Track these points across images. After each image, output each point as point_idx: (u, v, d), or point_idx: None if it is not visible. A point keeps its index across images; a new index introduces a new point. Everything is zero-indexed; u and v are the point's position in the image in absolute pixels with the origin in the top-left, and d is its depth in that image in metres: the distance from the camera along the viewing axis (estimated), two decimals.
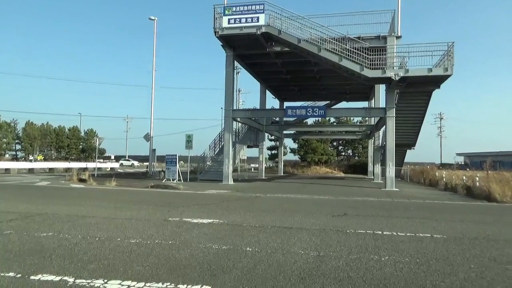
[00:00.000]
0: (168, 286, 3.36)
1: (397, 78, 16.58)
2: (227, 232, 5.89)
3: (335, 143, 49.68)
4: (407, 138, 23.90)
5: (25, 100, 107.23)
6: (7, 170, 28.23)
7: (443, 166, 41.62)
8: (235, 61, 22.05)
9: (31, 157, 50.94)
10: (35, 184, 17.29)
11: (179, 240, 5.24)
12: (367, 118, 33.63)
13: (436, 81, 17.53)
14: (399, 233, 6.04)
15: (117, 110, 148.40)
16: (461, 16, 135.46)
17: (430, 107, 20.55)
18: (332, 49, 17.36)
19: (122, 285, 3.37)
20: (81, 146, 62.06)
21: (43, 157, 52.06)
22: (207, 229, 6.12)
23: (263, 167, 29.93)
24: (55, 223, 6.48)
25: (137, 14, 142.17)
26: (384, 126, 19.59)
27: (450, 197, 14.51)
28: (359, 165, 40.87)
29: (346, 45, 17.34)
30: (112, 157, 62.32)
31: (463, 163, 64.09)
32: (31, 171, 30.23)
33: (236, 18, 18.21)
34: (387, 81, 17.60)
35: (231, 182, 19.76)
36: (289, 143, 48.08)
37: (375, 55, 17.00)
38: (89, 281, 3.46)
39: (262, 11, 17.95)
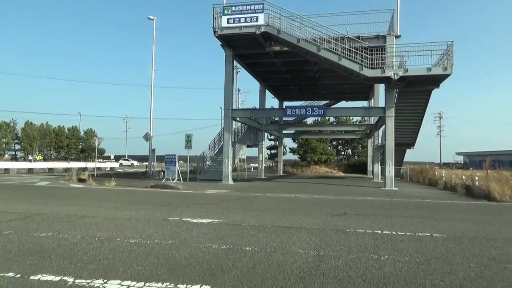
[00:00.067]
0: (168, 286, 3.37)
1: (396, 78, 16.59)
2: (227, 232, 5.89)
3: (334, 143, 49.68)
4: (406, 138, 23.91)
5: (25, 100, 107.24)
6: (6, 170, 28.20)
7: (446, 165, 41.60)
8: (235, 61, 22.03)
9: (30, 157, 50.91)
10: (35, 184, 17.28)
11: (179, 240, 5.25)
12: (366, 118, 33.65)
13: (435, 81, 17.53)
14: (398, 233, 6.05)
15: (116, 110, 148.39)
16: (460, 15, 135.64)
17: (429, 106, 20.58)
18: (331, 48, 17.35)
19: (122, 285, 3.38)
20: (80, 146, 62.02)
21: (42, 157, 52.04)
22: (207, 229, 6.13)
23: (263, 167, 29.92)
24: (54, 223, 6.48)
25: (137, 14, 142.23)
26: (384, 126, 19.60)
27: (449, 196, 14.53)
28: (358, 164, 40.88)
29: (345, 45, 17.33)
30: (112, 157, 62.31)
31: (462, 162, 64.20)
32: (30, 171, 30.20)
33: (235, 18, 18.19)
34: (387, 80, 17.60)
35: (230, 181, 19.75)
36: (288, 142, 48.16)
37: (374, 54, 17.00)
38: (89, 281, 3.46)
39: (261, 10, 17.94)
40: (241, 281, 3.50)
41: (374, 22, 18.22)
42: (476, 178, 15.74)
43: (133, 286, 3.37)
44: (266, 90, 30.57)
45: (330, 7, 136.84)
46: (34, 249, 4.65)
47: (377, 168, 26.33)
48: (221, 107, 31.14)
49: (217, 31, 18.48)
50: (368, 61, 16.99)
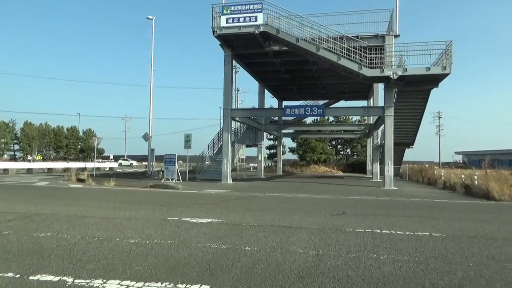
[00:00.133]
0: (167, 286, 3.36)
1: (395, 77, 16.60)
2: (226, 232, 5.89)
3: (333, 142, 49.75)
4: (405, 137, 23.94)
5: (24, 100, 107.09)
6: (5, 171, 28.16)
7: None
8: (234, 61, 22.03)
9: (29, 157, 50.87)
10: (34, 184, 17.26)
11: (178, 240, 5.24)
12: (365, 117, 33.64)
13: (434, 80, 17.55)
14: (398, 232, 6.05)
15: (116, 110, 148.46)
16: (459, 15, 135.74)
17: (428, 105, 20.61)
18: (330, 48, 17.36)
19: (121, 285, 3.37)
20: (79, 146, 62.01)
21: (41, 157, 51.99)
22: (206, 229, 6.13)
23: (262, 167, 29.92)
24: (54, 223, 6.47)
25: (136, 14, 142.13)
26: (383, 125, 19.62)
27: (448, 195, 14.54)
28: (358, 164, 40.93)
29: (344, 44, 17.34)
30: (111, 157, 62.28)
31: (461, 161, 64.26)
32: (29, 171, 30.16)
33: (235, 18, 18.19)
34: (386, 80, 17.61)
35: (230, 181, 19.76)
36: (288, 142, 48.19)
37: (373, 54, 17.00)
38: (88, 281, 3.46)
39: (260, 10, 17.94)
40: (241, 281, 3.50)
41: (373, 21, 18.26)
42: (475, 177, 15.76)
43: (133, 286, 3.36)
44: (265, 89, 30.58)
45: (329, 6, 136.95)
46: (33, 249, 4.64)
47: (376, 167, 26.36)
48: (220, 107, 31.19)
49: (216, 31, 18.47)
50: (367, 61, 17.00)
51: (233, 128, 24.12)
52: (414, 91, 19.00)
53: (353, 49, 17.15)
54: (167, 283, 3.42)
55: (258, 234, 5.76)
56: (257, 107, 29.07)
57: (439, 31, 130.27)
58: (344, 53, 17.21)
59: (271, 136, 41.23)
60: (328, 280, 3.55)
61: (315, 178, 27.30)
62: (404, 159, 30.49)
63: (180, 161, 33.64)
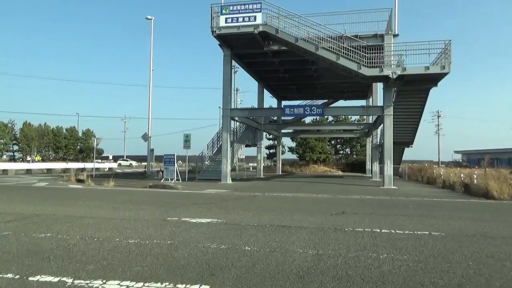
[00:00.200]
0: (167, 286, 3.36)
1: (394, 76, 16.61)
2: (226, 232, 5.89)
3: (333, 142, 49.77)
4: (405, 136, 23.95)
5: (23, 100, 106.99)
6: (4, 171, 28.13)
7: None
8: (233, 60, 22.01)
9: (28, 158, 50.80)
10: (33, 185, 17.24)
11: (178, 240, 5.24)
12: (365, 117, 33.66)
13: (433, 79, 17.57)
14: (397, 231, 6.06)
15: (116, 110, 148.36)
16: (458, 14, 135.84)
17: (427, 105, 20.63)
18: (329, 47, 17.36)
19: (121, 286, 3.37)
20: (79, 147, 61.91)
21: (40, 158, 51.94)
22: (206, 229, 6.13)
23: (261, 166, 29.92)
24: (53, 224, 6.47)
25: (136, 14, 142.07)
26: (382, 124, 19.63)
27: (448, 194, 14.56)
28: (357, 163, 40.95)
29: (343, 44, 17.35)
30: (110, 157, 62.21)
31: (460, 160, 64.34)
32: (29, 172, 30.12)
33: (233, 17, 18.19)
34: (385, 79, 17.62)
35: (229, 181, 19.76)
36: (287, 142, 48.18)
37: (372, 53, 17.01)
38: (88, 281, 3.46)
39: (259, 10, 17.94)
40: (240, 281, 3.50)
41: (372, 21, 18.27)
42: (475, 176, 15.77)
43: (132, 286, 3.36)
44: (265, 89, 30.57)
45: (328, 6, 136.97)
46: (33, 250, 4.64)
47: (376, 167, 26.37)
48: (219, 107, 31.15)
49: (215, 31, 18.46)
50: (366, 60, 17.01)
51: (232, 128, 24.12)
52: (413, 91, 19.02)
53: (352, 49, 17.16)
54: (167, 283, 3.42)
55: (257, 234, 5.76)
56: (257, 106, 29.06)
57: (438, 30, 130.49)
58: (343, 52, 17.22)
59: (271, 136, 41.24)
60: (327, 280, 3.55)
61: (314, 178, 27.31)
62: (404, 158, 30.53)
63: (180, 161, 33.64)
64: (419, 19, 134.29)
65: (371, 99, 28.97)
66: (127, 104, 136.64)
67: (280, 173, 34.16)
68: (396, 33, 18.06)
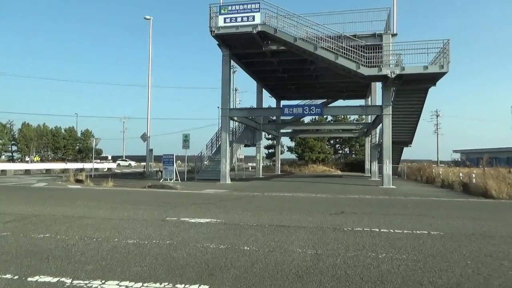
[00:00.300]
0: (166, 286, 3.36)
1: (393, 76, 16.62)
2: (225, 232, 5.89)
3: (332, 141, 49.79)
4: (403, 136, 23.97)
5: (22, 101, 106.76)
6: (3, 172, 28.08)
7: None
8: (232, 60, 22.00)
9: (27, 158, 50.69)
10: (32, 185, 17.22)
11: (177, 240, 5.24)
12: (364, 116, 33.71)
13: (432, 79, 17.59)
14: (396, 231, 6.07)
15: (115, 110, 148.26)
16: (457, 14, 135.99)
17: (426, 104, 20.65)
18: (328, 47, 17.36)
19: (120, 286, 3.37)
20: (77, 147, 61.83)
21: (39, 158, 51.86)
22: (205, 229, 6.13)
23: (260, 166, 29.92)
24: (52, 225, 6.46)
25: (136, 14, 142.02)
26: (381, 124, 19.64)
27: (447, 194, 14.58)
28: (356, 163, 40.96)
29: (342, 43, 17.35)
30: (109, 158, 62.10)
31: (460, 160, 64.44)
32: (27, 172, 30.08)
33: (232, 17, 18.19)
34: (383, 78, 17.64)
35: (228, 181, 19.76)
36: (286, 141, 48.17)
37: (371, 53, 17.03)
38: (87, 282, 3.46)
39: (258, 10, 17.94)
40: (240, 281, 3.50)
41: (370, 20, 18.26)
42: (473, 175, 15.80)
43: (131, 286, 3.36)
44: (263, 89, 30.56)
45: (326, 5, 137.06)
46: (32, 250, 4.64)
47: (375, 166, 26.39)
48: (218, 107, 31.13)
49: (214, 31, 18.46)
50: (365, 60, 17.02)
51: (231, 128, 24.13)
52: (411, 90, 19.05)
53: (351, 48, 17.17)
54: (166, 284, 3.42)
55: (256, 233, 5.76)
56: (255, 106, 29.06)
57: (437, 30, 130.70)
58: (342, 52, 17.23)
59: (270, 136, 41.23)
60: (326, 279, 3.56)
61: (313, 178, 27.32)
62: (402, 157, 30.55)
63: (179, 161, 33.62)
64: (417, 18, 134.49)
65: (370, 99, 28.99)
66: (126, 104, 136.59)
67: (279, 173, 34.17)
68: (395, 32, 18.07)
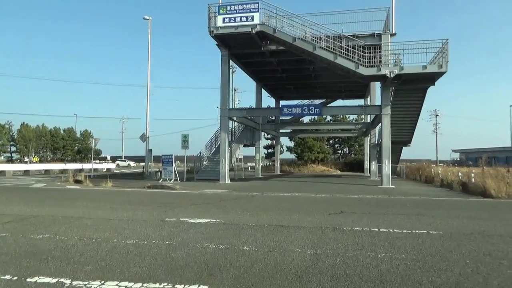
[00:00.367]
0: (166, 287, 3.36)
1: (392, 76, 16.64)
2: (224, 232, 5.89)
3: (331, 141, 49.82)
4: (402, 135, 24.01)
5: (20, 101, 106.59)
6: (2, 173, 28.00)
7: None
8: (231, 60, 22.01)
9: (26, 159, 50.61)
10: (31, 186, 17.19)
11: (176, 240, 5.24)
12: (363, 116, 33.73)
13: (431, 78, 17.61)
14: (395, 230, 6.07)
15: (115, 110, 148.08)
16: (456, 14, 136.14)
17: (425, 104, 20.71)
18: (327, 47, 17.37)
19: (119, 286, 3.37)
20: (76, 147, 61.77)
21: (38, 159, 51.79)
22: (204, 229, 6.12)
23: (260, 166, 29.93)
24: (51, 225, 6.45)
25: (137, 14, 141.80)
26: (380, 124, 19.66)
27: (446, 193, 14.60)
28: (355, 162, 40.97)
29: (341, 43, 17.36)
30: (108, 158, 62.05)
31: (458, 159, 64.55)
32: (26, 173, 30.02)
33: (231, 17, 18.18)
34: (382, 78, 17.65)
35: (227, 181, 19.75)
36: (285, 141, 48.17)
37: (370, 52, 17.04)
38: (86, 282, 3.45)
39: (256, 10, 17.93)
40: (239, 281, 3.50)
41: (369, 20, 18.30)
42: (472, 175, 15.82)
43: (131, 287, 3.36)
44: (263, 89, 30.56)
45: (325, 5, 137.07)
46: (31, 251, 4.63)
47: (374, 166, 26.41)
48: (217, 107, 31.12)
49: (212, 31, 18.45)
50: (363, 60, 17.04)
51: (230, 128, 24.11)
52: (410, 90, 19.07)
53: (349, 48, 17.18)
54: (165, 284, 3.42)
55: (256, 233, 5.76)
56: (255, 106, 29.07)
57: (436, 30, 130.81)
58: (341, 52, 17.24)
59: (269, 136, 41.24)
60: (326, 279, 3.56)
61: (313, 177, 27.33)
62: (402, 157, 30.59)
63: (178, 162, 33.59)
64: (417, 18, 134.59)
65: (369, 99, 29.01)
66: (125, 104, 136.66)
67: (279, 173, 34.17)
68: (394, 32, 18.09)
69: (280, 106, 25.53)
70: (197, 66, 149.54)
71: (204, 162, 25.10)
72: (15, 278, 3.59)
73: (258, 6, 17.95)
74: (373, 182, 21.12)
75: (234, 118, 22.78)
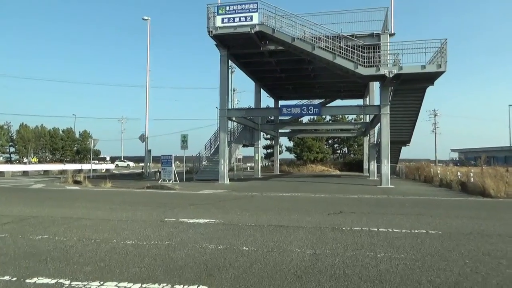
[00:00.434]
0: (165, 287, 3.36)
1: (391, 75, 16.65)
2: (224, 232, 5.89)
3: (330, 141, 49.83)
4: (402, 135, 24.02)
5: (19, 102, 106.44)
6: (1, 173, 27.94)
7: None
8: (230, 60, 22.01)
9: (25, 160, 50.58)
10: (30, 186, 17.17)
11: (176, 241, 5.24)
12: (362, 116, 33.75)
13: (429, 78, 17.63)
14: (394, 230, 6.08)
15: (114, 111, 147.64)
16: (455, 14, 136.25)
17: (424, 103, 20.70)
18: (326, 47, 17.38)
19: (119, 287, 3.37)
20: (75, 148, 61.73)
21: (37, 160, 51.73)
22: (204, 229, 6.12)
23: (259, 166, 29.91)
24: (50, 226, 6.45)
25: (137, 15, 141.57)
26: (379, 124, 19.68)
27: (445, 193, 14.61)
28: (354, 162, 41.00)
29: (340, 43, 17.36)
30: (108, 158, 62.00)
31: (457, 159, 64.64)
32: (25, 173, 29.98)
33: (230, 18, 18.18)
34: (381, 78, 17.67)
35: (227, 181, 19.75)
36: (284, 141, 48.17)
37: (369, 52, 17.05)
38: (85, 283, 3.45)
39: (255, 10, 17.94)
40: (238, 281, 3.50)
41: (368, 20, 18.32)
42: (471, 174, 15.83)
43: (130, 287, 3.36)
44: (262, 89, 30.56)
45: (324, 5, 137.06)
46: (30, 252, 4.63)
47: (373, 166, 26.43)
48: (216, 107, 31.11)
49: (211, 31, 18.45)
50: (362, 59, 17.04)
51: (229, 128, 24.11)
52: (409, 89, 19.08)
53: (348, 48, 17.19)
54: (165, 284, 3.42)
55: (255, 234, 5.76)
56: (254, 106, 29.07)
57: (435, 29, 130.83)
58: (340, 52, 17.25)
59: (268, 136, 41.25)
60: (325, 279, 3.56)
61: (312, 177, 27.33)
62: (401, 157, 30.58)
63: (177, 162, 33.52)
64: (415, 18, 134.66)
65: (368, 98, 29.02)
66: (125, 105, 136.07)
67: (278, 173, 34.17)
68: (392, 32, 18.11)
69: (279, 106, 25.55)
70: (197, 66, 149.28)
71: (204, 162, 25.08)
72: (14, 279, 3.58)
73: (257, 6, 17.96)
74: (372, 182, 21.14)
75: (233, 118, 22.79)
